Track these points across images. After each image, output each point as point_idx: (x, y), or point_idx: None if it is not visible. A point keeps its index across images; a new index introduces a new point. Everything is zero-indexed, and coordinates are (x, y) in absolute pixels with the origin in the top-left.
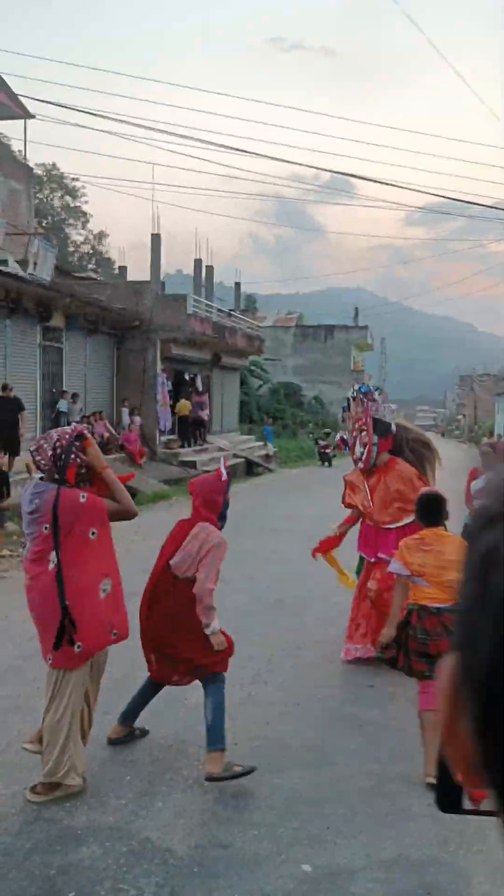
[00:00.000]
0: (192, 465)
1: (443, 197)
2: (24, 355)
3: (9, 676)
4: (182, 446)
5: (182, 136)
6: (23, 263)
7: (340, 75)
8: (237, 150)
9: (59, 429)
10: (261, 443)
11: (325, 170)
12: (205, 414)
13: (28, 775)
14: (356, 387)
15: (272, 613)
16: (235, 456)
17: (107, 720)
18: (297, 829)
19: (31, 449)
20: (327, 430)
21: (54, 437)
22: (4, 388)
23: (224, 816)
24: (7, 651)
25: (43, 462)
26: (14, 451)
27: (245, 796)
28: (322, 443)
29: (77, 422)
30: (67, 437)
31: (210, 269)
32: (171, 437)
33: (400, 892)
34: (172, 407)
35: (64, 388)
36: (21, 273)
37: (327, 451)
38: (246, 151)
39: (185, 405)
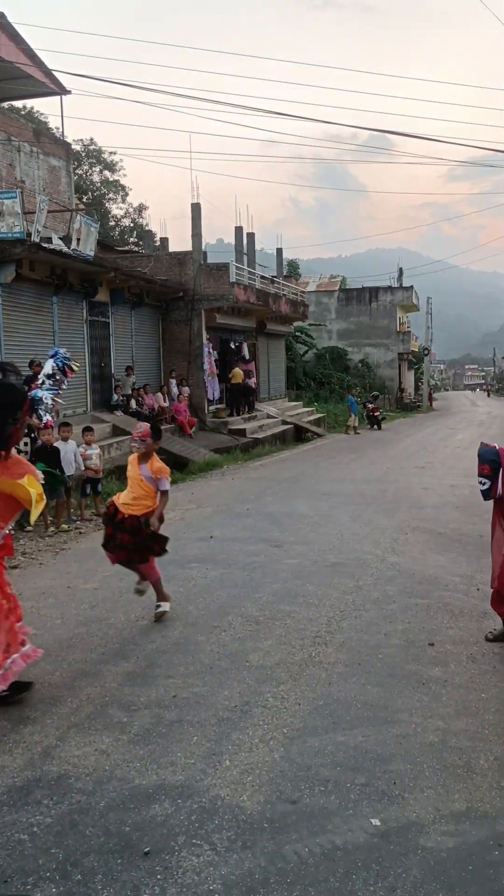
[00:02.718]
0: (242, 433)
1: (485, 149)
2: (71, 331)
3: (75, 642)
4: (231, 414)
5: (218, 103)
6: (66, 240)
7: (377, 31)
8: (274, 113)
9: None
10: (310, 409)
11: (362, 127)
12: (252, 382)
13: (99, 737)
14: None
15: (329, 575)
16: (284, 422)
17: (171, 683)
18: (364, 785)
19: None
20: (375, 392)
21: None
22: (31, 364)
23: (290, 774)
24: (71, 618)
25: None
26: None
27: (311, 754)
28: (370, 405)
29: (128, 395)
30: None
31: (251, 236)
32: (220, 406)
33: (471, 844)
34: (221, 376)
35: (112, 362)
36: (65, 249)
37: (376, 413)
38: (283, 114)
39: (238, 373)
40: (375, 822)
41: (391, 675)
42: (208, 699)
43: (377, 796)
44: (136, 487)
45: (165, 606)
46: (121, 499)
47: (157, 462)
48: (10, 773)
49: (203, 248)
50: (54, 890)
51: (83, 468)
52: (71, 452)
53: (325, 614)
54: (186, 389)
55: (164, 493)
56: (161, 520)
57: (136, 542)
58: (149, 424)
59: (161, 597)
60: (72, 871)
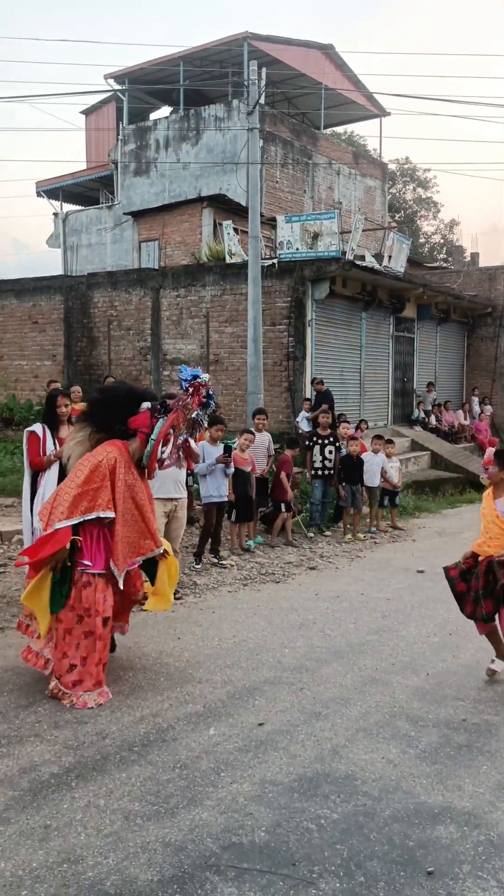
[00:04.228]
0: None
1: None
2: (377, 346)
3: (366, 649)
4: None
5: None
6: (378, 257)
7: None
8: None
9: None
10: None
11: None
12: None
13: (386, 746)
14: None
15: None
16: None
17: (461, 706)
18: None
19: None
20: None
21: None
22: (314, 381)
23: None
24: (364, 625)
25: None
26: None
27: None
28: None
29: (428, 410)
30: None
31: None
32: None
33: None
34: None
35: (415, 378)
36: (377, 266)
37: None
38: None
39: None
40: None
41: None
42: (500, 729)
43: None
44: (490, 526)
45: (498, 666)
46: (478, 542)
47: None
48: (301, 763)
49: None
50: (338, 885)
51: (394, 480)
52: (377, 465)
53: None
54: (489, 408)
55: None
56: None
57: (486, 588)
58: (494, 450)
59: (501, 652)
60: (355, 872)
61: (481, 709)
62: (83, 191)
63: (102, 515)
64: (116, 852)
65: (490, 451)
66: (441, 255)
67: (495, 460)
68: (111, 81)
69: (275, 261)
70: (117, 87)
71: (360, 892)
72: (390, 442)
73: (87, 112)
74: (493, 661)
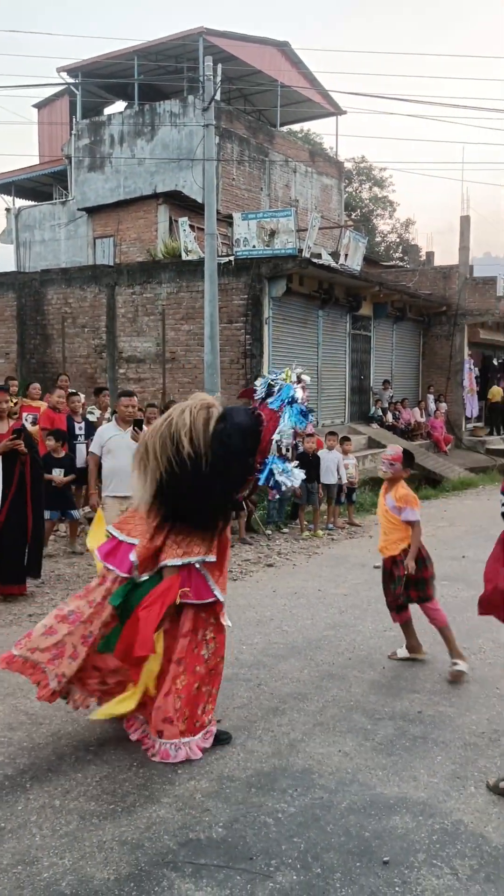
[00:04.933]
0: (500, 453)
1: None
2: (334, 344)
3: (323, 644)
4: (490, 433)
5: (493, 111)
6: (334, 255)
7: None
8: None
9: None
10: None
11: None
12: None
13: (343, 739)
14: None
15: None
16: None
17: (416, 698)
18: None
19: None
20: None
21: None
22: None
23: None
24: (321, 620)
25: None
26: None
27: None
28: None
29: (385, 408)
30: None
31: None
32: (478, 424)
33: None
34: (480, 393)
35: (371, 375)
36: (333, 264)
37: None
38: None
39: (497, 391)
40: None
41: None
42: (454, 720)
43: None
44: (384, 522)
45: (463, 666)
46: (379, 544)
47: (401, 489)
48: (258, 759)
49: (469, 261)
50: (295, 877)
51: (345, 480)
52: (333, 462)
53: None
54: (444, 405)
55: (414, 526)
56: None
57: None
58: (401, 448)
59: (456, 652)
60: (312, 864)
61: (436, 700)
62: (36, 186)
63: (209, 560)
64: (72, 852)
65: (397, 449)
66: (397, 254)
67: (403, 458)
68: (64, 75)
69: (231, 258)
70: (70, 80)
71: (316, 883)
72: (346, 439)
73: (40, 105)
74: (454, 662)
